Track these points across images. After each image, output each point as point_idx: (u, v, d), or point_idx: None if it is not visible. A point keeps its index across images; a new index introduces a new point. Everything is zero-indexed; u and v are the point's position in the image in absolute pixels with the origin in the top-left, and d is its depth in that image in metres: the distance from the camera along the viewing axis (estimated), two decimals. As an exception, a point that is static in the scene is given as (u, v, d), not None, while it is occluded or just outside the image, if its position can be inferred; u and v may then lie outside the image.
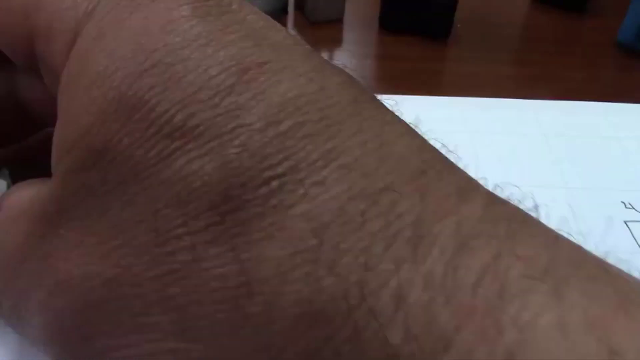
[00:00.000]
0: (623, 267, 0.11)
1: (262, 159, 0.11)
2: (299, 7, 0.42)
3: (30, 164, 0.22)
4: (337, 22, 0.42)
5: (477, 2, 0.46)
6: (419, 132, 0.13)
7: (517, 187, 0.14)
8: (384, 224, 0.11)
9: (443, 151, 0.13)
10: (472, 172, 0.13)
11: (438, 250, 0.10)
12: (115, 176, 0.12)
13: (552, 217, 0.13)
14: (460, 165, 0.13)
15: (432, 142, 0.13)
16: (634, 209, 0.26)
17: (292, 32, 0.41)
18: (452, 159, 0.13)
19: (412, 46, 0.40)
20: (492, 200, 0.12)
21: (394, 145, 0.12)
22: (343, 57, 0.40)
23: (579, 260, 0.11)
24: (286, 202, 0.11)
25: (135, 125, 0.12)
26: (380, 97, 0.14)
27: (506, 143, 0.29)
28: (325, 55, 0.15)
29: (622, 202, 0.26)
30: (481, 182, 0.13)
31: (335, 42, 0.41)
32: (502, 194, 0.13)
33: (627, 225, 0.25)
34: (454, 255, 0.10)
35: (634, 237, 0.25)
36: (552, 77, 0.39)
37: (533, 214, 0.12)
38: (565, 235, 0.12)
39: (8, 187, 0.18)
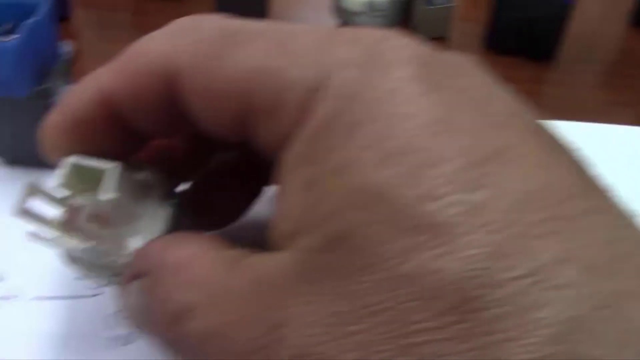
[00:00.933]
0: None
1: (503, 259, 0.11)
2: (404, 24, 0.44)
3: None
4: (442, 39, 0.44)
5: (584, 25, 0.46)
6: None
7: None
8: (622, 332, 0.11)
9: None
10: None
11: None
12: (358, 262, 0.12)
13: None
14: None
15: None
16: None
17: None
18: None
19: (515, 67, 0.42)
20: None
21: (627, 242, 0.12)
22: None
23: None
24: (527, 304, 0.11)
25: (380, 215, 0.12)
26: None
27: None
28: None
29: None
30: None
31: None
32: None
33: None
34: None
35: None
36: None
37: None
38: None
39: (171, 219, 0.18)
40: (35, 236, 0.17)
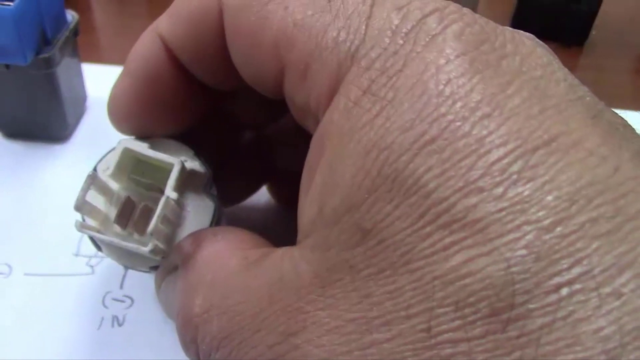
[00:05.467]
0: None
1: (550, 263, 0.10)
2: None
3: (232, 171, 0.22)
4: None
5: (616, 8, 0.44)
6: None
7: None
8: None
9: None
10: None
11: None
12: (382, 261, 0.11)
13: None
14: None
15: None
16: None
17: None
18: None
19: (544, 51, 0.40)
20: None
21: None
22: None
23: None
24: (577, 314, 0.09)
25: (410, 209, 0.11)
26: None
27: None
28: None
29: None
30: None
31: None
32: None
33: None
34: None
35: None
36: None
37: None
38: None
39: (215, 211, 0.18)
40: (87, 230, 0.16)
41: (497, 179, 0.10)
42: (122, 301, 0.23)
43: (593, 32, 0.41)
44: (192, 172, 0.17)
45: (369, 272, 0.11)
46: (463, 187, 0.10)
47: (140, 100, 0.17)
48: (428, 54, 0.12)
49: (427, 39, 0.12)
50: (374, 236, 0.11)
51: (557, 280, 0.10)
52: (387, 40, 0.12)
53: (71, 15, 0.29)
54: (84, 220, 0.17)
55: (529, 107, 0.11)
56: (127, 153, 0.17)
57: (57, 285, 0.23)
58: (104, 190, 0.17)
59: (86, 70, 0.31)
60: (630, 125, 0.12)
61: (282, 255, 0.13)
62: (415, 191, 0.11)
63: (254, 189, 0.24)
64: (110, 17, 0.42)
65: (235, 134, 0.23)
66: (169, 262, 0.16)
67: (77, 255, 0.25)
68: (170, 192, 0.16)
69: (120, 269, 0.24)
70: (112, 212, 0.17)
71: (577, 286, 0.10)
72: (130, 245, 0.16)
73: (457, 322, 0.10)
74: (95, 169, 0.17)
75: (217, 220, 0.18)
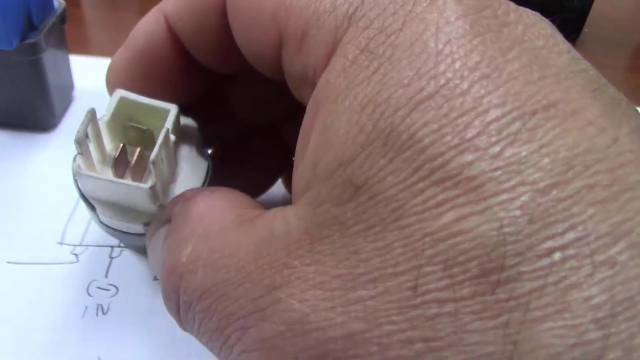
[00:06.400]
0: None
1: (544, 226, 0.10)
2: None
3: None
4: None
5: (609, 6, 0.44)
6: None
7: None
8: None
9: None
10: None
11: None
12: (372, 217, 0.11)
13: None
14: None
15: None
16: None
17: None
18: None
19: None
20: None
21: None
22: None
23: None
24: (568, 280, 0.09)
25: (404, 164, 0.10)
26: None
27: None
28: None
29: None
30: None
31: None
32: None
33: None
34: None
35: None
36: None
37: None
38: None
39: (208, 169, 0.18)
40: (81, 171, 0.16)
41: (494, 138, 0.10)
42: (107, 290, 0.22)
43: (585, 29, 0.41)
44: (185, 127, 0.18)
45: (359, 228, 0.11)
46: (459, 144, 0.10)
47: (136, 72, 0.17)
48: (428, 14, 0.12)
49: (428, 1, 0.12)
50: (365, 191, 0.11)
51: (550, 244, 0.09)
52: (386, 1, 0.12)
53: (58, 2, 0.28)
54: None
55: (528, 73, 0.11)
56: (123, 102, 0.17)
57: (41, 273, 0.23)
58: (99, 138, 0.17)
59: (74, 62, 0.30)
60: (631, 104, 0.12)
61: (275, 213, 0.13)
62: (410, 146, 0.10)
63: (270, 182, 0.24)
64: (100, 11, 0.41)
65: (237, 127, 0.23)
66: (163, 214, 0.16)
67: (61, 243, 0.24)
68: (169, 124, 0.16)
69: (105, 257, 0.23)
70: (108, 161, 0.17)
71: (571, 252, 0.09)
72: (130, 183, 0.16)
73: (445, 282, 0.10)
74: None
75: (210, 180, 0.18)
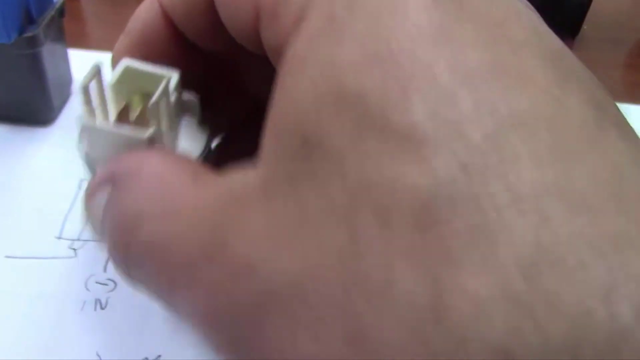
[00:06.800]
0: None
1: (480, 180, 0.10)
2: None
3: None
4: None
5: (609, 4, 0.44)
6: None
7: None
8: (608, 276, 0.09)
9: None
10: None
11: None
12: (319, 169, 0.11)
13: None
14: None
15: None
16: None
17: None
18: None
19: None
20: None
21: (629, 182, 0.10)
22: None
23: None
24: (496, 230, 0.10)
25: (350, 121, 0.11)
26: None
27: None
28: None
29: None
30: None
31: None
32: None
33: None
34: None
35: None
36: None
37: None
38: None
39: (208, 141, 0.18)
40: (85, 120, 0.16)
41: (436, 95, 0.11)
42: (105, 284, 0.23)
43: (584, 26, 0.41)
44: (186, 102, 0.18)
45: (310, 184, 0.11)
46: (402, 102, 0.11)
47: (137, 57, 0.18)
48: None
49: None
50: (316, 147, 0.11)
51: (485, 198, 0.10)
52: None
53: (57, -5, 0.28)
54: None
55: (482, 40, 0.11)
56: (127, 70, 0.17)
57: (39, 268, 0.23)
58: (102, 98, 0.17)
59: (72, 56, 0.30)
60: (594, 78, 0.12)
61: (235, 172, 0.13)
62: (356, 102, 0.11)
63: None
64: (99, 5, 0.41)
65: (249, 107, 0.22)
66: (107, 170, 0.16)
67: (59, 238, 0.24)
68: (172, 74, 0.16)
69: (103, 252, 0.23)
70: (110, 119, 0.17)
71: (499, 202, 0.10)
72: (129, 133, 0.16)
73: (378, 229, 0.10)
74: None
75: (208, 152, 0.18)
